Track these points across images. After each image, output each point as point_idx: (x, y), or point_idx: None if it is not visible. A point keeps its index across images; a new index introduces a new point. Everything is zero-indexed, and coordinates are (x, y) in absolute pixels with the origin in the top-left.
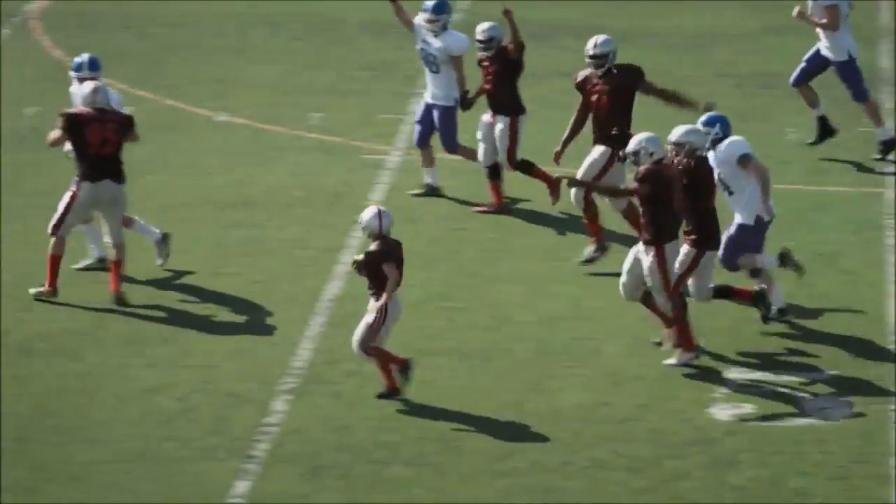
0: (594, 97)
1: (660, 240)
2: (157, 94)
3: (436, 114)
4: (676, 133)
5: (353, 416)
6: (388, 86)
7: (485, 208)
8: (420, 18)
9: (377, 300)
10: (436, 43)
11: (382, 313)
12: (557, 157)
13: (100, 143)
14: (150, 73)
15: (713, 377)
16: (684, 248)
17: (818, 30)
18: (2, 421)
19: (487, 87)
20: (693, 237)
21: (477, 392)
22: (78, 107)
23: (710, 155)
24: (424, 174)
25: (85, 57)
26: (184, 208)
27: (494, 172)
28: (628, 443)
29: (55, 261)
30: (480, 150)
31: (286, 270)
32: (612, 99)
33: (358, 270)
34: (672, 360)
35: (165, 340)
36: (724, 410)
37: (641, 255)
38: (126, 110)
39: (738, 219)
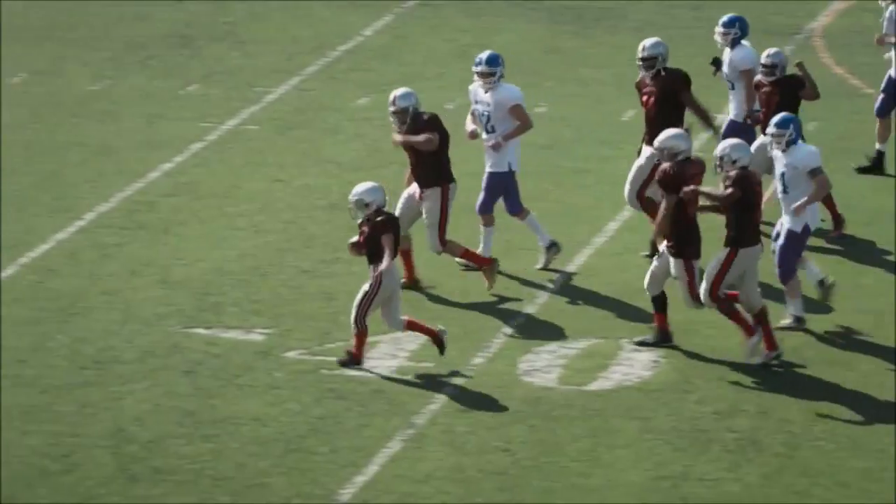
0: (644, 98)
1: (738, 243)
2: None
3: (730, 129)
4: (660, 138)
5: None
6: None
7: None
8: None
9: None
10: (725, 58)
11: (377, 283)
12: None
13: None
14: None
15: None
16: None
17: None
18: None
19: (765, 110)
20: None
21: None
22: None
23: (779, 154)
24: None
25: (485, 53)
26: None
27: None
28: None
29: (407, 254)
30: None
31: None
32: (659, 101)
33: (358, 251)
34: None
35: None
36: None
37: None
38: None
39: (786, 223)
